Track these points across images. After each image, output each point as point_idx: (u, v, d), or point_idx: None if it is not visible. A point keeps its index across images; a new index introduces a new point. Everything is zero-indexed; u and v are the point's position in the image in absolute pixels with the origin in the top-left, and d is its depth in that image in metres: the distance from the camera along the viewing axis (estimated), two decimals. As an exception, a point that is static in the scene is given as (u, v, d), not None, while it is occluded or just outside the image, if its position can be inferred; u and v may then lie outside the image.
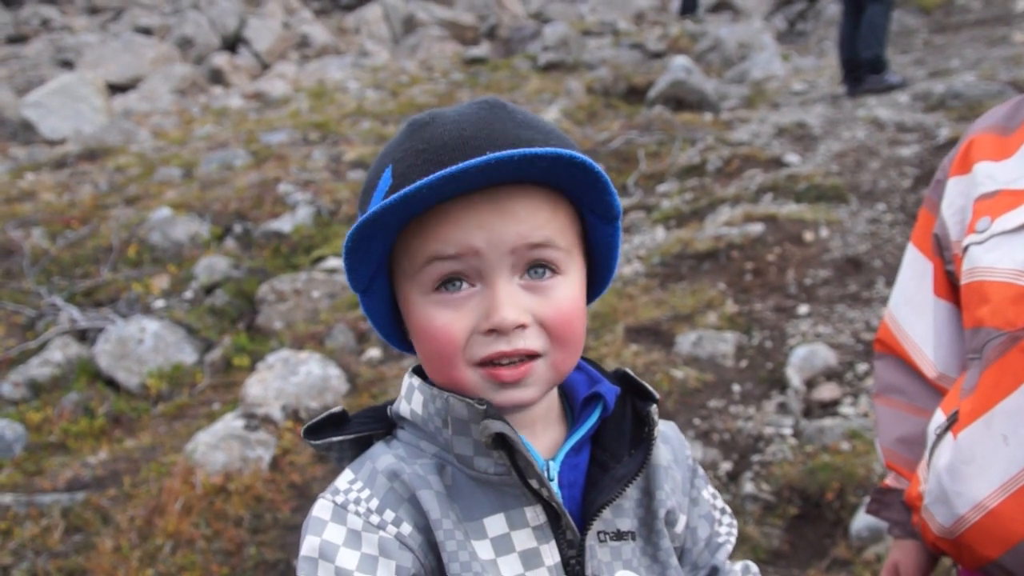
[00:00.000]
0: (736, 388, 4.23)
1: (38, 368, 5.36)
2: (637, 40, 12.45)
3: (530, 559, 1.07)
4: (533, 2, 17.70)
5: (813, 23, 13.38)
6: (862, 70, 8.25)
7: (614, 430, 1.16)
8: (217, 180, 7.99)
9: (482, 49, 13.62)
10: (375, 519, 1.04)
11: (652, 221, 6.33)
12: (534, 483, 1.05)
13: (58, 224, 7.28)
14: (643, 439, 1.16)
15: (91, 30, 18.93)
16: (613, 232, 1.14)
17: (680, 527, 1.21)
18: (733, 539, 1.28)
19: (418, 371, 1.16)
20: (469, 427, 1.06)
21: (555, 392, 1.16)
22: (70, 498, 4.00)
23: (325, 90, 12.08)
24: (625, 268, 5.60)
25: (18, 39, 18.97)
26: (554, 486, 1.10)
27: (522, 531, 1.07)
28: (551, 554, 1.08)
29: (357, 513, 1.04)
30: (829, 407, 4.04)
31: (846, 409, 3.96)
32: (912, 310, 1.79)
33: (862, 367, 4.20)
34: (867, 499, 3.29)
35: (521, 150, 0.97)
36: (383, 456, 1.10)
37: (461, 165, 0.96)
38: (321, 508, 1.07)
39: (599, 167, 1.02)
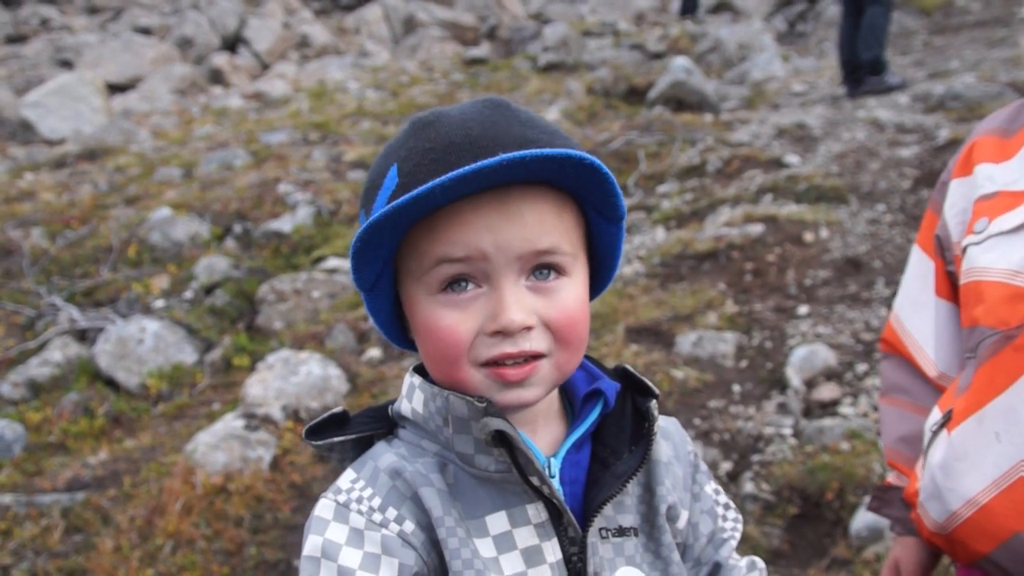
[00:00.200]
0: (736, 388, 4.23)
1: (38, 368, 5.36)
2: (637, 41, 12.46)
3: (532, 556, 1.07)
4: (533, 3, 17.70)
5: (813, 24, 13.38)
6: (862, 71, 8.26)
7: (614, 426, 1.17)
8: (217, 180, 8.00)
9: (482, 50, 13.62)
10: (377, 517, 1.04)
11: (652, 221, 6.33)
12: (535, 480, 1.06)
13: (58, 224, 7.28)
14: (643, 435, 1.16)
15: (90, 30, 18.93)
16: (617, 232, 1.15)
17: (682, 523, 1.21)
18: (738, 534, 1.28)
19: (419, 370, 1.16)
20: (469, 425, 1.06)
21: (555, 389, 1.16)
22: (70, 498, 4.00)
23: (325, 90, 12.08)
24: (625, 268, 5.60)
25: (17, 39, 18.97)
26: (555, 483, 1.11)
27: (524, 528, 1.08)
28: (553, 551, 1.08)
29: (359, 512, 1.05)
30: (829, 407, 4.04)
31: (846, 409, 3.96)
32: (915, 310, 1.81)
33: (862, 367, 4.20)
34: (867, 498, 3.31)
35: (533, 151, 0.97)
36: (385, 455, 1.10)
37: (474, 166, 0.96)
38: (323, 507, 1.07)
39: (607, 168, 1.02)
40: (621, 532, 1.14)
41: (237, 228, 7.01)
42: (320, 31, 17.22)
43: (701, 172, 6.97)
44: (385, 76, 12.75)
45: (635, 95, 9.75)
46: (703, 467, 1.29)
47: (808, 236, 5.42)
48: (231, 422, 4.23)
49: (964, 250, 1.62)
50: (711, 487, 1.28)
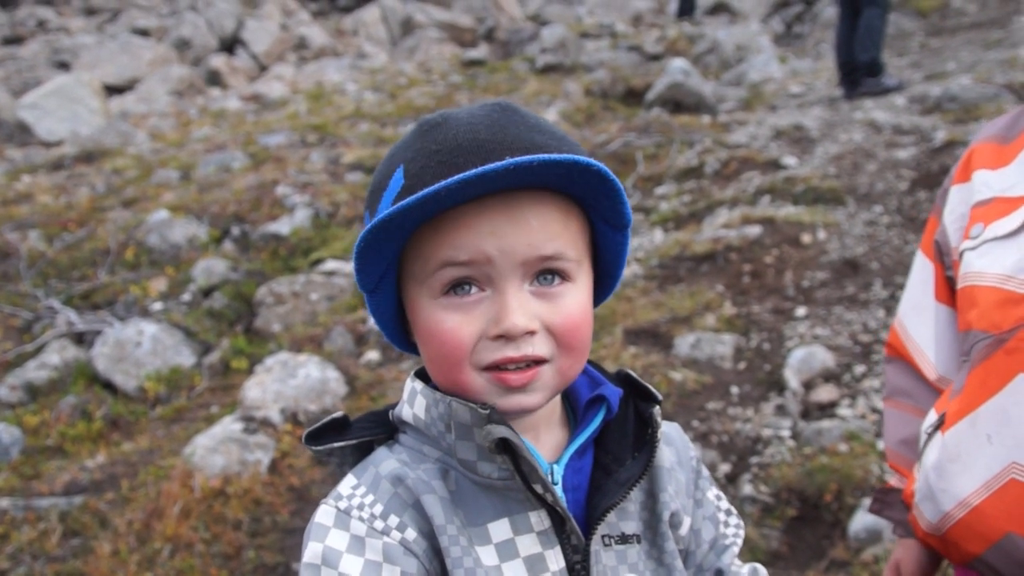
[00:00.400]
0: (734, 390, 4.24)
1: (35, 371, 5.36)
2: (635, 42, 12.47)
3: (535, 564, 1.06)
4: (531, 4, 17.72)
5: (810, 25, 13.40)
6: (859, 73, 8.27)
7: (617, 432, 1.16)
8: (215, 182, 7.99)
9: (480, 51, 13.63)
10: (379, 525, 1.03)
11: (650, 223, 6.33)
12: (538, 488, 1.05)
13: (55, 226, 7.27)
14: (646, 441, 1.15)
15: (88, 31, 18.92)
16: (622, 240, 1.14)
17: (684, 529, 1.20)
18: (740, 541, 1.28)
19: (420, 375, 1.15)
20: (472, 432, 1.05)
21: (558, 395, 1.16)
22: (68, 502, 3.99)
23: (323, 92, 12.08)
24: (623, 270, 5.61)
25: (14, 40, 18.95)
26: (558, 490, 1.10)
27: (526, 536, 1.07)
28: (556, 559, 1.07)
29: (361, 519, 1.04)
30: (827, 409, 4.04)
31: (844, 411, 3.96)
32: (917, 315, 1.83)
33: (860, 369, 4.21)
34: (865, 500, 3.32)
35: (540, 156, 0.96)
36: (386, 461, 1.09)
37: (480, 169, 0.95)
38: (324, 514, 1.06)
39: (614, 175, 1.02)
40: (624, 539, 1.13)
41: (235, 230, 7.00)
42: (318, 33, 17.21)
43: (699, 174, 6.97)
44: (383, 78, 12.76)
45: (633, 97, 9.76)
46: (705, 472, 1.28)
47: (806, 238, 5.43)
48: (229, 425, 4.22)
49: (961, 255, 1.64)
50: (713, 493, 1.27)
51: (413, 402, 1.12)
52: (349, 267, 6.10)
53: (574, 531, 1.08)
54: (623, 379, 1.21)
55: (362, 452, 1.15)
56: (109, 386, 5.27)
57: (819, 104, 8.54)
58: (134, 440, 4.65)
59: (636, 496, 1.16)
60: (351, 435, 1.15)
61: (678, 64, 9.44)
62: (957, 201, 1.73)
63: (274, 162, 8.42)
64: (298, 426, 4.29)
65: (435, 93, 11.04)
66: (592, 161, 0.99)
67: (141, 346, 5.38)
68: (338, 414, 1.18)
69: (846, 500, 3.43)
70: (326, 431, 1.16)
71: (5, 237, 7.00)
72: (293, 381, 4.49)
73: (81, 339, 5.74)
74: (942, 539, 1.58)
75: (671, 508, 1.17)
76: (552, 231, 1.04)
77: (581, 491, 1.13)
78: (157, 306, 6.06)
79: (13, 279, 6.49)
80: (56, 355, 5.48)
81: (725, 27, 12.96)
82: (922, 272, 1.85)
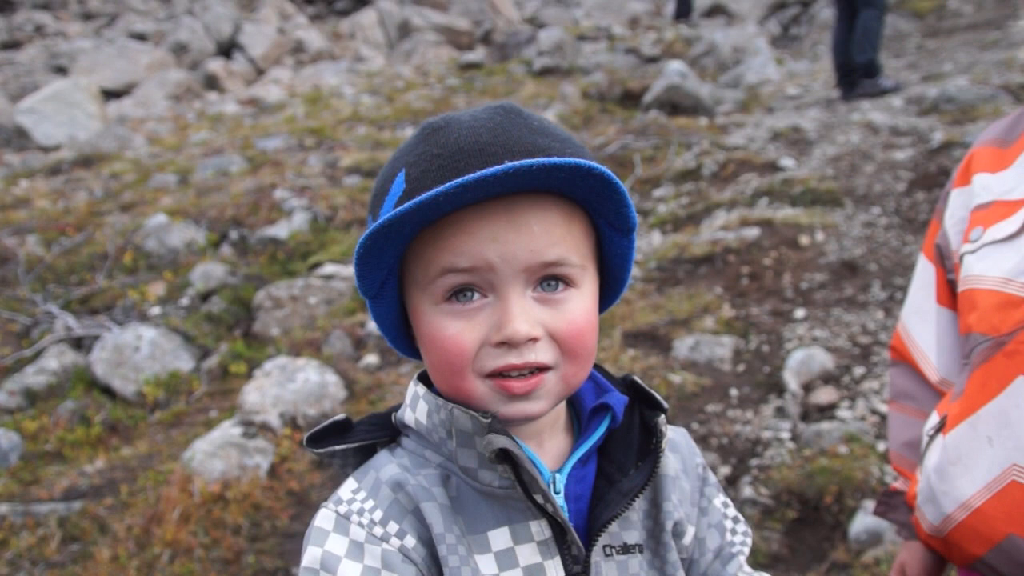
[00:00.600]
0: (734, 392, 4.23)
1: (34, 376, 5.35)
2: (632, 45, 12.48)
3: (534, 574, 1.06)
4: (527, 7, 17.73)
5: (807, 27, 13.42)
6: (856, 74, 8.28)
7: (621, 441, 1.15)
8: (213, 186, 7.98)
9: (477, 54, 13.64)
10: (378, 531, 1.03)
11: (649, 226, 6.34)
12: (539, 498, 1.04)
13: (53, 231, 7.26)
14: (651, 450, 1.14)
15: (85, 36, 18.92)
16: (628, 244, 1.12)
17: (688, 538, 1.19)
18: (747, 549, 1.25)
19: (423, 378, 1.14)
20: (474, 440, 1.04)
21: (563, 402, 1.14)
22: (67, 507, 3.99)
23: (320, 95, 12.09)
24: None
25: (12, 45, 18.95)
26: (560, 500, 1.09)
27: (526, 546, 1.06)
28: (555, 570, 1.07)
29: (360, 524, 1.03)
30: (827, 411, 4.04)
31: (843, 413, 3.96)
32: (920, 318, 1.84)
33: (859, 370, 4.21)
34: (865, 502, 3.32)
35: (540, 160, 0.95)
36: (387, 466, 1.08)
37: (478, 174, 0.94)
38: (323, 518, 1.05)
39: (617, 179, 1.00)
40: (626, 549, 1.12)
41: (233, 234, 7.00)
42: (315, 36, 17.22)
43: (697, 176, 6.98)
44: (380, 81, 12.76)
45: (630, 99, 9.76)
46: (712, 479, 1.26)
47: (804, 239, 5.43)
48: (228, 430, 4.22)
49: (961, 258, 1.65)
50: (720, 500, 1.26)
51: (415, 407, 1.11)
52: (348, 271, 6.10)
53: (574, 542, 1.07)
54: (629, 385, 1.19)
55: (365, 453, 1.14)
56: (108, 391, 5.26)
57: (816, 106, 8.55)
58: (133, 445, 4.65)
59: (640, 505, 1.15)
60: (353, 438, 1.14)
61: (675, 66, 9.45)
62: (957, 205, 1.74)
63: (272, 166, 8.42)
64: (297, 430, 4.28)
65: (432, 96, 11.05)
66: (594, 165, 0.97)
67: (140, 351, 5.38)
68: (340, 417, 1.17)
69: (846, 502, 3.43)
70: (328, 434, 1.15)
71: (3, 242, 7.00)
72: (292, 385, 4.48)
73: (79, 344, 5.73)
74: (944, 541, 1.58)
75: (674, 518, 1.16)
76: (554, 236, 1.02)
77: (583, 500, 1.11)
78: (155, 311, 6.05)
79: (11, 284, 6.48)
80: (55, 360, 5.47)
81: (722, 29, 12.98)
82: (924, 275, 1.86)
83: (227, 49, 16.53)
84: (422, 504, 1.04)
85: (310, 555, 1.03)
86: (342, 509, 1.05)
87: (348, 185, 7.80)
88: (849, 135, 7.12)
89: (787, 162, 6.80)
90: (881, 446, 3.61)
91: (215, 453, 4.05)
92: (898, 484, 1.87)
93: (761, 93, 9.69)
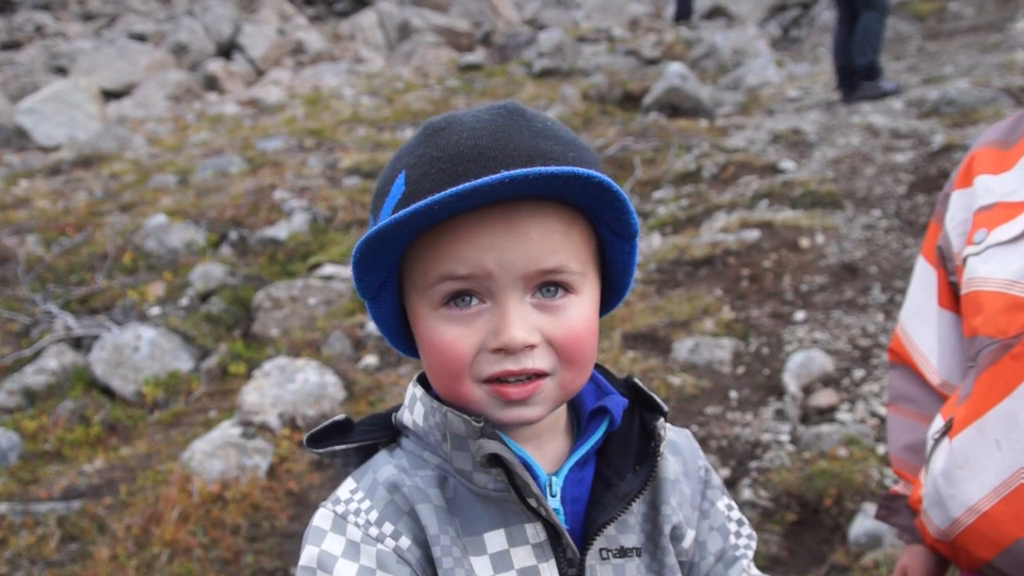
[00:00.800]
0: (733, 394, 4.23)
1: (33, 376, 5.34)
2: (632, 46, 12.49)
3: None
4: (527, 8, 17.74)
5: (807, 29, 13.43)
6: (857, 76, 8.28)
7: (620, 444, 1.14)
8: (213, 187, 7.98)
9: (477, 55, 13.64)
10: (374, 531, 1.03)
11: (648, 228, 6.34)
12: (532, 502, 1.04)
13: (53, 231, 7.26)
14: (649, 454, 1.13)
15: (85, 36, 18.93)
16: (630, 250, 1.12)
17: (687, 542, 1.18)
18: (751, 552, 1.24)
19: (422, 380, 1.14)
20: (467, 443, 1.04)
21: (563, 404, 1.14)
22: (66, 507, 3.98)
23: (320, 97, 12.09)
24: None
25: (12, 45, 18.95)
26: (556, 503, 1.09)
27: (522, 548, 1.06)
28: (550, 572, 1.06)
29: (357, 524, 1.04)
30: (826, 413, 4.04)
31: (843, 415, 3.96)
32: (920, 321, 1.83)
33: (859, 373, 4.21)
34: (865, 505, 3.31)
35: (537, 169, 0.94)
36: (385, 467, 1.09)
37: (475, 183, 0.93)
38: (321, 517, 1.06)
39: (618, 186, 0.99)
40: (623, 553, 1.11)
41: (233, 235, 7.00)
42: (315, 37, 17.22)
43: (697, 178, 6.98)
44: (380, 82, 12.76)
45: (630, 101, 9.77)
46: (715, 481, 1.25)
47: (804, 242, 5.43)
48: (228, 430, 4.22)
49: (964, 261, 1.64)
50: (723, 503, 1.25)
51: (413, 408, 1.11)
52: (347, 272, 6.10)
53: (569, 545, 1.07)
54: (630, 387, 1.19)
55: (366, 452, 1.15)
56: (107, 391, 5.26)
57: (817, 108, 8.55)
58: (132, 445, 4.64)
59: (638, 508, 1.15)
60: (353, 438, 1.14)
61: (675, 68, 9.45)
62: (959, 207, 1.73)
63: (271, 167, 8.42)
64: (296, 431, 4.28)
65: (432, 98, 11.05)
66: (593, 173, 0.96)
67: (139, 351, 5.38)
68: (340, 417, 1.17)
69: (846, 505, 3.42)
70: (328, 434, 1.15)
71: (3, 242, 6.99)
72: (291, 386, 4.48)
73: (79, 344, 5.73)
74: (951, 545, 1.58)
75: (672, 521, 1.15)
76: (553, 243, 1.02)
77: (581, 503, 1.11)
78: (155, 311, 6.05)
79: (11, 284, 6.48)
80: (54, 360, 5.47)
81: (722, 31, 12.99)
82: (924, 278, 1.85)
83: (227, 50, 16.53)
84: (417, 505, 1.05)
85: (307, 554, 1.04)
86: (339, 509, 1.06)
87: (348, 186, 7.80)
88: (849, 137, 7.12)
89: (787, 164, 6.80)
90: (881, 449, 3.61)
91: (214, 453, 4.04)
92: (899, 488, 1.86)
93: (761, 95, 9.69)
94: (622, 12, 16.70)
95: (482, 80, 11.79)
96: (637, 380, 1.19)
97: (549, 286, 1.04)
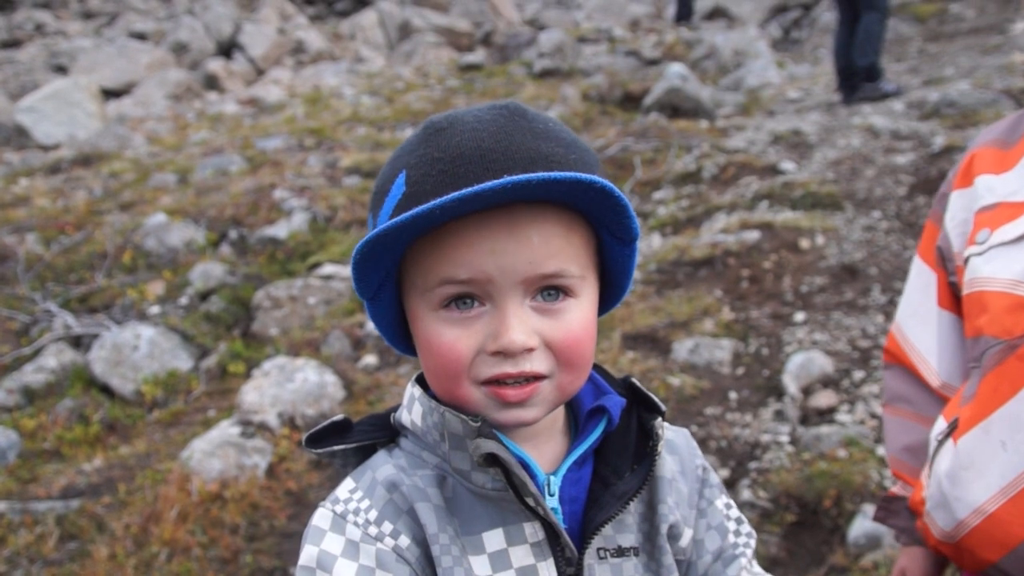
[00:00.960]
0: (733, 395, 4.23)
1: (32, 374, 5.34)
2: (632, 47, 12.48)
3: None
4: (528, 9, 17.75)
5: (808, 31, 13.43)
6: (857, 78, 8.28)
7: (618, 444, 1.15)
8: (212, 186, 7.98)
9: (477, 55, 13.64)
10: (373, 530, 1.03)
11: (648, 228, 6.33)
12: (530, 501, 1.04)
13: (52, 230, 7.26)
14: (647, 453, 1.14)
15: (85, 35, 18.92)
16: (629, 254, 1.12)
17: (685, 541, 1.18)
18: (750, 551, 1.24)
19: (421, 380, 1.14)
20: (465, 443, 1.05)
21: (561, 405, 1.14)
22: (65, 505, 3.98)
23: (320, 96, 12.08)
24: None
25: (12, 44, 18.95)
26: (554, 502, 1.09)
27: (520, 547, 1.06)
28: (548, 571, 1.07)
29: (356, 523, 1.04)
30: (826, 414, 4.04)
31: (843, 416, 3.96)
32: (918, 321, 1.82)
33: (858, 374, 4.21)
34: (864, 506, 3.31)
35: (539, 175, 0.94)
36: (384, 466, 1.09)
37: (477, 188, 0.93)
38: (321, 517, 1.06)
39: (619, 191, 0.99)
40: (620, 552, 1.12)
41: (232, 234, 7.00)
42: (315, 37, 17.21)
43: (697, 179, 6.98)
44: (380, 82, 12.76)
45: (631, 101, 9.77)
46: (713, 480, 1.25)
47: (804, 243, 5.43)
48: (227, 429, 4.21)
49: (966, 261, 1.63)
50: (722, 501, 1.25)
51: (411, 408, 1.12)
52: (346, 271, 6.10)
53: (567, 544, 1.07)
54: (628, 387, 1.19)
55: (365, 452, 1.15)
56: (106, 390, 5.26)
57: (817, 109, 8.55)
58: (131, 444, 4.64)
59: (636, 508, 1.15)
60: (352, 438, 1.15)
61: (676, 69, 9.45)
62: (958, 207, 1.72)
63: (271, 166, 8.42)
64: (295, 430, 4.28)
65: (432, 97, 11.05)
66: (595, 178, 0.96)
67: (138, 350, 5.37)
68: (339, 417, 1.17)
69: (845, 506, 3.42)
70: (327, 434, 1.15)
71: (3, 240, 6.99)
72: (290, 385, 4.48)
73: (78, 343, 5.73)
74: (956, 547, 1.57)
75: (669, 520, 1.15)
76: (554, 247, 1.02)
77: (579, 503, 1.11)
78: (154, 310, 6.04)
79: (10, 282, 6.47)
80: (53, 358, 5.46)
81: (723, 32, 12.99)
82: (921, 278, 1.84)
83: (227, 49, 16.53)
84: (416, 504, 1.05)
85: (307, 553, 1.04)
86: (339, 508, 1.06)
87: (347, 185, 7.80)
88: (850, 139, 7.12)
89: (787, 165, 6.80)
90: (880, 450, 3.61)
91: (213, 452, 4.04)
92: (897, 489, 1.85)
93: (762, 96, 9.69)
94: (623, 13, 16.70)
95: (482, 80, 11.79)
96: (635, 380, 1.20)
97: (549, 290, 1.04)
